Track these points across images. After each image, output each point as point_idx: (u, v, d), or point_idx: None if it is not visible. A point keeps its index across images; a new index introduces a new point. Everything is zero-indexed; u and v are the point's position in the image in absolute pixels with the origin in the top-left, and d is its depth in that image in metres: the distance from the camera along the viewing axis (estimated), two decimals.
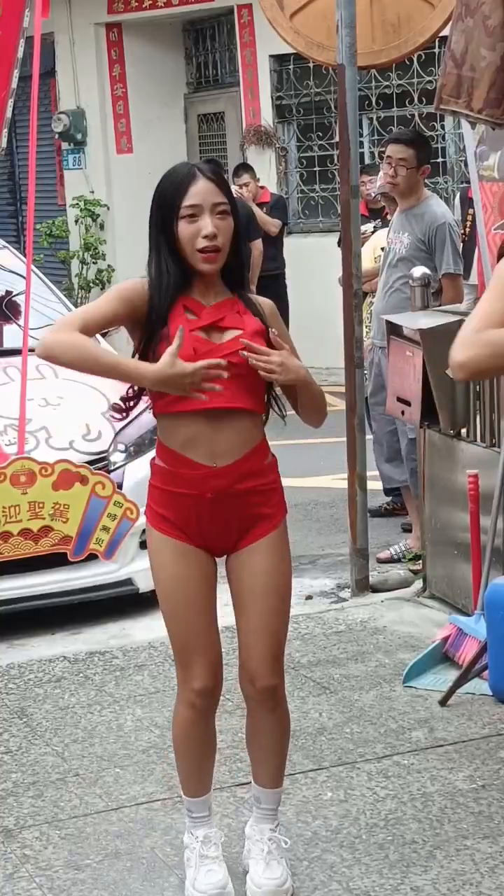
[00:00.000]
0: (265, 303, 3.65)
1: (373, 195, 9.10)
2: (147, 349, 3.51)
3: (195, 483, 3.51)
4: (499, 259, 5.26)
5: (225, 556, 3.67)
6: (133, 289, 3.54)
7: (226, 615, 3.73)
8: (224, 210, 3.45)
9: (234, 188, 12.10)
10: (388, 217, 8.45)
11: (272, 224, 12.16)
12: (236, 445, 3.51)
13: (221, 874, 3.70)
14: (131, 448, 6.43)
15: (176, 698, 3.73)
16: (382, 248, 7.65)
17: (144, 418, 5.09)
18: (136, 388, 3.62)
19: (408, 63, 12.07)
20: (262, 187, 12.46)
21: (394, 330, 6.13)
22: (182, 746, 3.73)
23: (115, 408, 3.70)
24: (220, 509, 3.54)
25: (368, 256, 7.72)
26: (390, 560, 6.94)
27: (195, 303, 3.52)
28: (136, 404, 3.68)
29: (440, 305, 6.47)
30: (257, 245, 11.74)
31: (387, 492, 7.75)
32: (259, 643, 3.61)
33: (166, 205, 3.46)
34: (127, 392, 3.66)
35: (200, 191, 3.43)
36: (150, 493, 3.65)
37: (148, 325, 3.51)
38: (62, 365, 3.50)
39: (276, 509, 3.63)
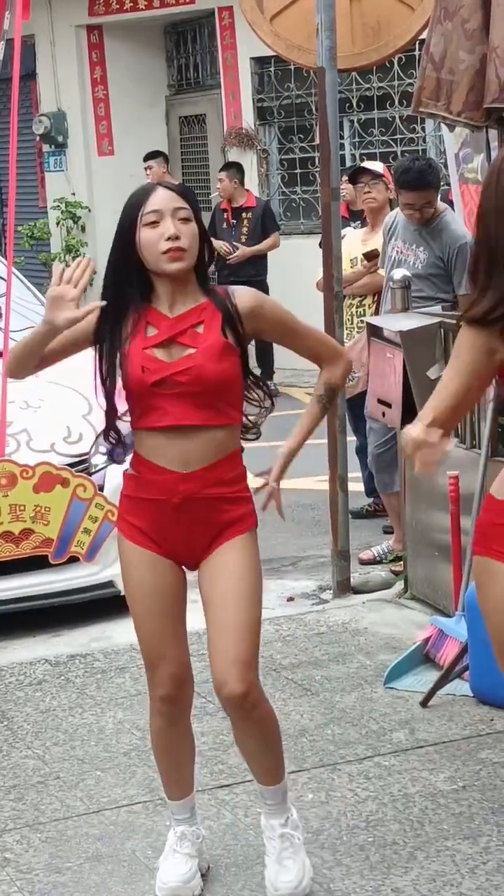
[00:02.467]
0: (242, 297, 3.53)
1: None
2: (111, 368, 3.53)
3: (163, 488, 3.50)
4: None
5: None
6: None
7: (200, 620, 3.72)
8: (186, 216, 3.46)
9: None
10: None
11: (273, 245, 12.12)
12: (209, 453, 3.50)
13: (186, 868, 3.75)
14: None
15: (149, 704, 3.74)
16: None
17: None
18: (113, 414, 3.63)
19: (388, 65, 12.08)
20: (246, 190, 12.39)
21: (374, 332, 6.14)
22: (158, 751, 3.79)
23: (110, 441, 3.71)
24: (185, 516, 3.54)
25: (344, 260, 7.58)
26: (373, 561, 6.93)
27: (158, 315, 3.52)
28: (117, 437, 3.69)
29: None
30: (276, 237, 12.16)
31: (368, 493, 7.75)
32: (223, 647, 3.53)
33: (128, 217, 3.47)
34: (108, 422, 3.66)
35: (160, 198, 3.45)
36: (120, 503, 3.68)
37: (108, 344, 3.52)
38: (21, 371, 3.60)
39: (245, 517, 3.60)
